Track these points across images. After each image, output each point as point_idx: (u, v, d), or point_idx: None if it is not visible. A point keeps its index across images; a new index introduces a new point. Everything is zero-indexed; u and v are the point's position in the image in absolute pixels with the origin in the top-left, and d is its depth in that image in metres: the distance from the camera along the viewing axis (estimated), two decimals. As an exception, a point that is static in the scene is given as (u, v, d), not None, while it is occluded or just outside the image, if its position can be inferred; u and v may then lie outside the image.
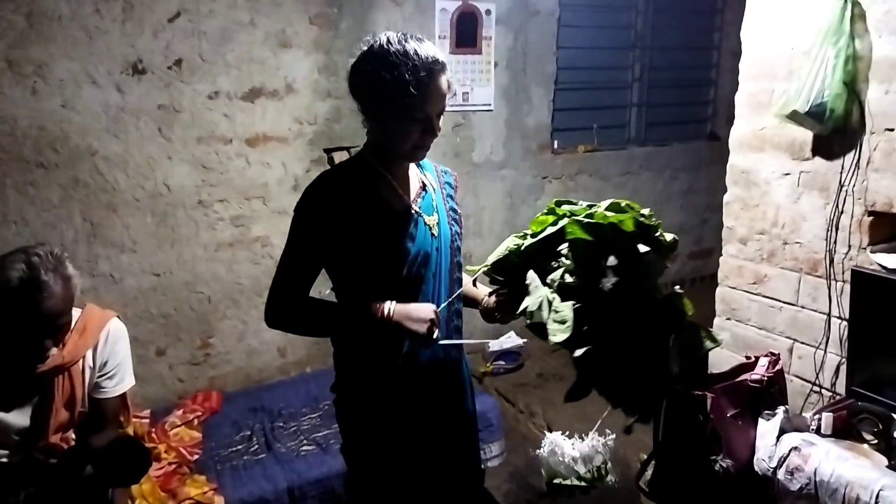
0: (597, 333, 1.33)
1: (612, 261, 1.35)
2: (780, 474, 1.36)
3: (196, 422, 2.86)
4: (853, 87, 1.94)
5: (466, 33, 3.65)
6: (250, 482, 2.52)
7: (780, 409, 1.50)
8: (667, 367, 1.35)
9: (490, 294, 1.68)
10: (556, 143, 4.16)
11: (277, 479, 2.54)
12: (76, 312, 1.92)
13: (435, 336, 1.50)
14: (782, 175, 2.22)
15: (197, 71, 3.06)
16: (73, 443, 1.92)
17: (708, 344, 1.43)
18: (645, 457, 1.63)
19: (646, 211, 1.46)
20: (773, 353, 1.57)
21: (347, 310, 1.56)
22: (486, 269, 1.59)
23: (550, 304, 1.36)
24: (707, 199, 4.89)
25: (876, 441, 1.60)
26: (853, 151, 1.99)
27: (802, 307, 2.22)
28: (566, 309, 1.33)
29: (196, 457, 2.62)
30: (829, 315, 2.11)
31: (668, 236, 1.47)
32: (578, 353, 1.32)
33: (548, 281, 1.41)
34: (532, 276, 1.44)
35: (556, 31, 4.00)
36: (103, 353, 1.95)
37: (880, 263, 1.94)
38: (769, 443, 1.43)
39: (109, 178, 2.97)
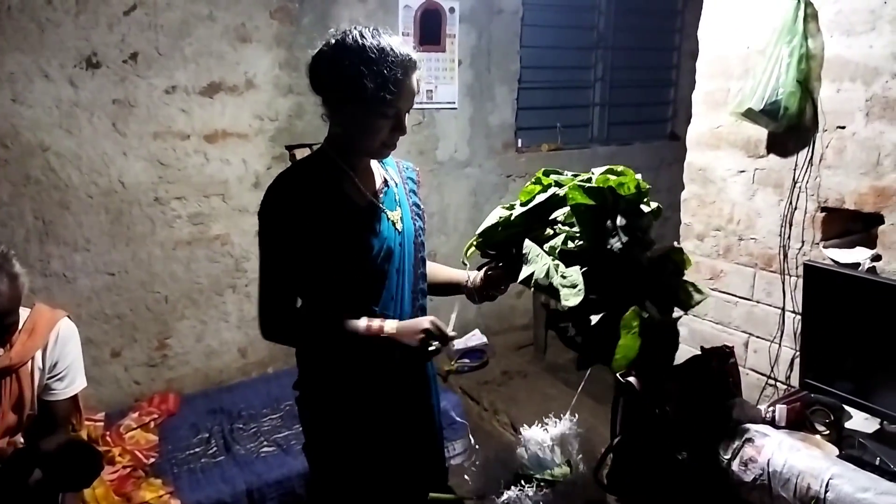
0: (606, 298, 1.31)
1: (620, 221, 1.35)
2: (735, 465, 1.38)
3: (152, 424, 2.80)
4: (806, 86, 1.98)
5: (430, 31, 3.64)
6: (208, 485, 2.47)
7: (735, 401, 1.52)
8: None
9: (480, 268, 1.68)
10: (519, 141, 4.18)
11: (236, 481, 2.49)
12: (24, 312, 1.86)
13: (431, 349, 1.49)
14: (738, 172, 2.25)
15: (153, 65, 2.99)
16: (21, 446, 1.86)
17: (696, 297, 1.47)
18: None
19: (639, 176, 1.48)
20: (727, 347, 1.58)
21: (340, 324, 1.51)
22: (476, 241, 1.60)
23: (556, 269, 1.35)
24: (668, 197, 4.92)
25: (828, 432, 1.63)
26: (806, 149, 2.03)
27: (757, 302, 2.26)
28: (574, 273, 1.32)
29: (152, 460, 2.56)
30: (783, 309, 2.16)
31: (653, 203, 1.48)
32: (595, 318, 1.30)
33: (546, 248, 1.40)
34: (529, 245, 1.42)
35: (520, 30, 4.01)
36: (53, 354, 1.90)
37: (832, 258, 1.99)
38: (724, 434, 1.44)
39: (62, 174, 2.88)
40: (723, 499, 1.42)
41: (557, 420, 1.87)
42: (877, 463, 1.52)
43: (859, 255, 1.94)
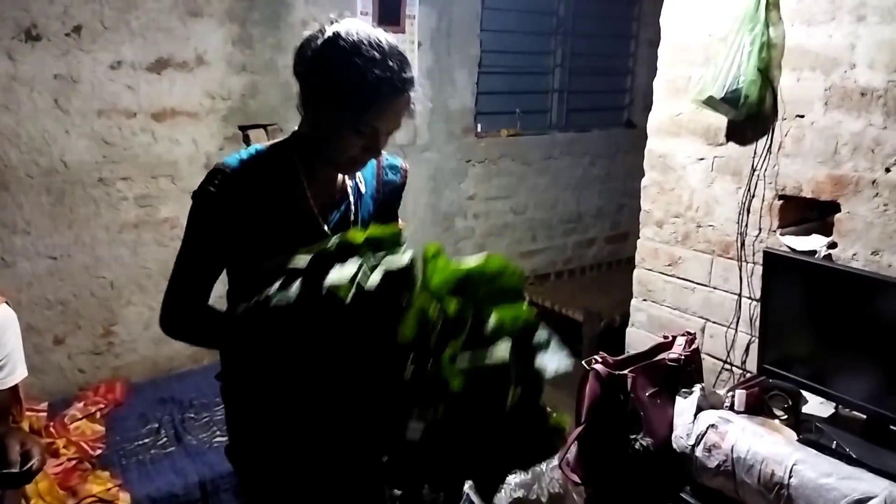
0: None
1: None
2: (699, 451, 1.39)
3: (98, 415, 2.68)
4: (767, 74, 1.99)
5: (389, 10, 3.56)
6: (158, 477, 2.38)
7: (697, 388, 1.53)
8: None
9: None
10: (479, 126, 4.14)
11: (188, 472, 2.41)
12: (-43, 298, 1.74)
13: None
14: (697, 160, 2.27)
15: (98, 38, 2.84)
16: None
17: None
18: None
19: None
20: (689, 333, 1.59)
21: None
22: None
23: None
24: (624, 185, 5.00)
25: (786, 416, 1.66)
26: (765, 137, 2.05)
27: (715, 288, 2.29)
28: None
29: (99, 451, 2.45)
30: (739, 295, 2.18)
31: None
32: None
33: None
34: None
35: (480, 13, 3.96)
36: (-10, 343, 1.78)
37: (789, 245, 2.02)
38: (687, 420, 1.45)
39: (0, 153, 2.73)
40: (686, 485, 1.43)
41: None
42: (833, 447, 1.55)
43: (815, 242, 1.98)
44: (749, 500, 1.32)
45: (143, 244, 3.14)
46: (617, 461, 1.42)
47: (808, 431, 1.65)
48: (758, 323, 2.16)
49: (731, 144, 2.16)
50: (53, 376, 2.99)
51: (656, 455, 1.40)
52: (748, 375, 1.99)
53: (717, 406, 1.51)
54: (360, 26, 1.23)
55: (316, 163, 1.34)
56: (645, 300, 2.53)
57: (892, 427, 1.61)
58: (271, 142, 1.37)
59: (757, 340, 2.16)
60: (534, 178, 4.47)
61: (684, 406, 1.47)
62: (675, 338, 1.58)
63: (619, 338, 4.07)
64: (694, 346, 1.57)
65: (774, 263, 1.70)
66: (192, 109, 3.15)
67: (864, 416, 1.66)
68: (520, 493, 1.64)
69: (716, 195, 2.22)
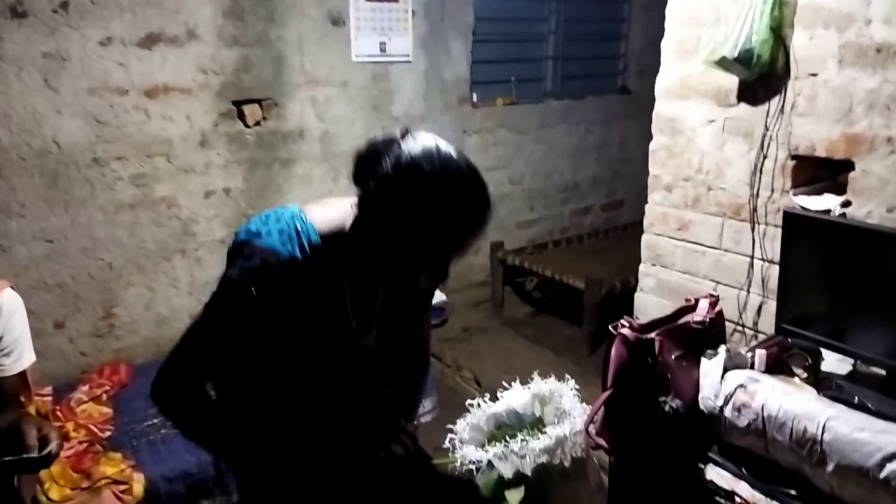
0: None
1: None
2: (728, 411, 1.39)
3: (104, 397, 2.66)
4: (779, 33, 1.97)
5: (382, -22, 3.49)
6: (171, 456, 2.37)
7: (722, 349, 1.52)
8: None
9: None
10: (475, 96, 4.09)
11: (201, 450, 2.39)
12: (-38, 283, 1.70)
13: None
14: (707, 122, 2.25)
15: (86, 14, 2.75)
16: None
17: None
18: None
19: None
20: (712, 295, 1.59)
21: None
22: None
23: None
24: (619, 152, 4.99)
25: (806, 375, 1.66)
26: (778, 97, 2.03)
27: (726, 251, 2.28)
28: None
29: (108, 433, 2.43)
30: (752, 257, 2.18)
31: None
32: None
33: None
34: None
35: (473, -20, 3.90)
36: (-2, 328, 1.74)
37: (802, 205, 2.01)
38: (714, 381, 1.45)
39: (-11, 134, 2.65)
40: (713, 445, 1.44)
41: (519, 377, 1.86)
42: (856, 402, 1.56)
43: (829, 201, 1.97)
44: (780, 457, 1.32)
45: (140, 224, 3.09)
46: (646, 424, 1.41)
47: (828, 389, 1.65)
48: (770, 284, 2.17)
49: (743, 105, 2.14)
50: (55, 360, 2.95)
51: (685, 417, 1.40)
52: (765, 336, 1.99)
53: (741, 366, 1.51)
54: (442, 145, 1.12)
55: (365, 274, 1.24)
56: (654, 265, 2.53)
57: (912, 382, 1.62)
58: (323, 229, 1.19)
59: (769, 301, 2.18)
60: (530, 147, 4.43)
61: (710, 367, 1.47)
62: (697, 301, 1.57)
63: (619, 304, 4.08)
64: (717, 309, 1.56)
65: (794, 223, 1.69)
66: (185, 85, 3.08)
67: (884, 372, 1.67)
68: (543, 459, 1.63)
69: (727, 157, 2.21)
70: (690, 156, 2.31)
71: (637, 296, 2.63)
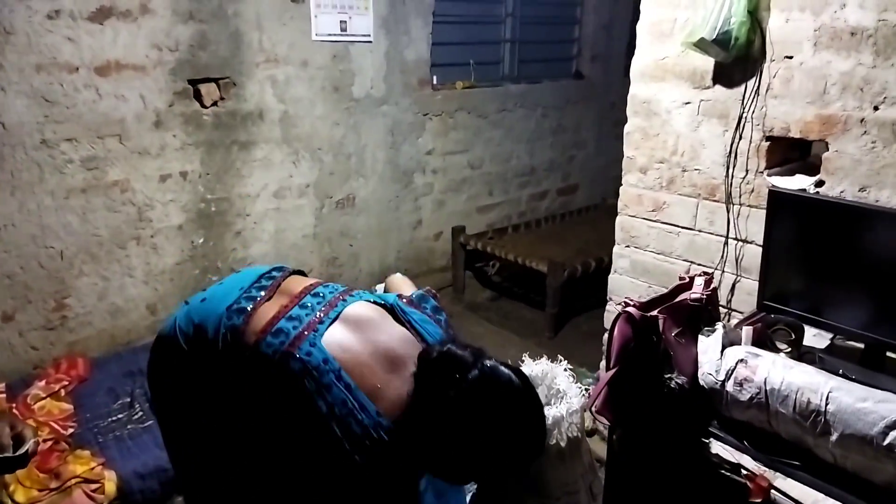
0: None
1: None
2: (729, 386, 1.42)
3: (63, 392, 2.52)
4: (756, 16, 2.01)
5: (344, -44, 3.40)
6: (142, 452, 2.27)
7: (719, 325, 1.55)
8: None
9: None
10: (434, 78, 4.05)
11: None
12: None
13: None
14: (683, 104, 2.28)
15: (31, -16, 2.58)
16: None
17: None
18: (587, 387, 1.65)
19: None
20: (706, 273, 1.61)
21: None
22: None
23: None
24: (573, 137, 5.04)
25: (789, 349, 1.72)
26: (754, 79, 2.08)
27: (700, 231, 2.33)
28: None
29: (71, 430, 2.31)
30: (726, 237, 2.24)
31: None
32: None
33: None
34: None
35: (433, -40, 3.84)
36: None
37: (776, 186, 2.07)
38: (713, 357, 1.48)
39: (-75, 113, 2.46)
40: (713, 419, 1.47)
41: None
42: (840, 374, 1.62)
43: (802, 181, 2.03)
44: (782, 429, 1.36)
45: (93, 210, 2.93)
46: (651, 401, 1.43)
47: (810, 362, 1.71)
48: (743, 263, 2.24)
49: (718, 87, 2.18)
50: (4, 355, 2.79)
51: (686, 392, 1.42)
52: (740, 313, 2.05)
53: (736, 342, 1.54)
54: (515, 379, 1.21)
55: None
56: (628, 246, 2.56)
57: (888, 353, 1.70)
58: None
59: (742, 280, 2.24)
60: (489, 131, 4.43)
61: (708, 344, 1.50)
62: (693, 278, 1.60)
63: (580, 287, 4.15)
64: (713, 286, 1.59)
65: (778, 201, 1.74)
66: (138, 62, 2.93)
67: (861, 345, 1.74)
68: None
69: (702, 139, 2.25)
70: (666, 137, 2.35)
71: (611, 277, 2.66)
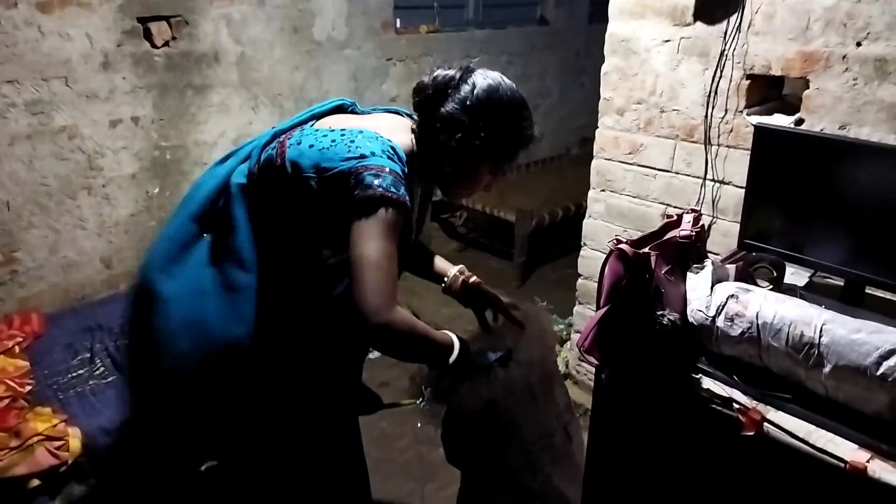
0: None
1: None
2: (720, 322, 1.40)
3: (17, 349, 2.39)
4: (740, -53, 1.95)
5: None
6: (106, 408, 2.17)
7: (708, 262, 1.53)
8: None
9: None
10: (398, 21, 3.91)
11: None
12: None
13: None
14: (662, 42, 2.23)
15: None
16: None
17: None
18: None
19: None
20: (694, 210, 1.59)
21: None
22: None
23: None
24: (538, 84, 4.97)
25: (770, 287, 1.71)
26: (735, 15, 2.04)
27: (676, 173, 2.31)
28: None
29: (29, 388, 2.19)
30: (703, 178, 2.22)
31: None
32: None
33: None
34: None
35: None
36: None
37: (756, 125, 2.05)
38: (703, 294, 1.46)
39: None
40: (700, 356, 1.46)
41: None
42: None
43: (782, 120, 2.02)
44: (773, 363, 1.36)
45: (39, 158, 2.75)
46: (642, 338, 1.41)
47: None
48: (720, 204, 2.23)
49: (699, 24, 2.13)
50: (-50, 313, 2.63)
51: (677, 328, 1.40)
52: (716, 254, 2.03)
53: (724, 279, 1.53)
54: (504, 79, 1.40)
55: (425, 181, 1.49)
56: (603, 190, 2.53)
57: (867, 289, 1.71)
58: (402, 145, 1.35)
59: (718, 221, 2.24)
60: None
61: (697, 281, 1.48)
62: (681, 216, 1.57)
63: (549, 235, 4.14)
64: (701, 223, 1.57)
65: (765, 138, 1.71)
66: (83, -2, 2.72)
67: (840, 282, 1.75)
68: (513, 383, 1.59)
69: (681, 78, 2.21)
70: (644, 77, 2.30)
71: (586, 222, 2.63)
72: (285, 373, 1.44)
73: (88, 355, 2.45)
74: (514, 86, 1.41)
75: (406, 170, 1.29)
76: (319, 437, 1.60)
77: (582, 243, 2.67)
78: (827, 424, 1.29)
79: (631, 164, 2.42)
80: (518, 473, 1.76)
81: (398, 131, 1.39)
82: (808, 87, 1.96)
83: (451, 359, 1.34)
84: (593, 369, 1.63)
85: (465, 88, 1.33)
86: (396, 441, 2.70)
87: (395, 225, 1.22)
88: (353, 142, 1.27)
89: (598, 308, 1.47)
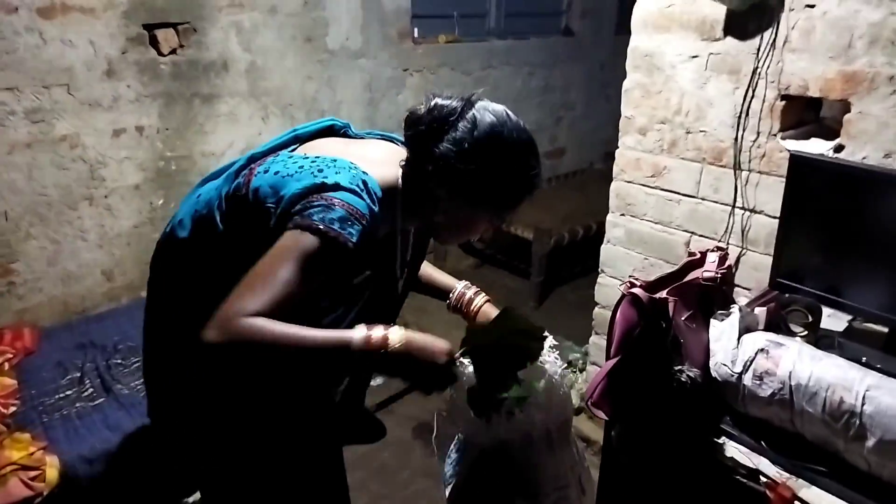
0: None
1: None
2: (747, 379, 1.24)
3: (7, 366, 2.30)
4: (776, -42, 1.79)
5: None
6: (90, 434, 2.07)
7: (735, 308, 1.37)
8: None
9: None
10: (416, 31, 3.78)
11: (123, 425, 2.11)
12: None
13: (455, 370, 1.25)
14: (689, 58, 2.07)
15: None
16: None
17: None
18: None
19: None
20: (720, 248, 1.42)
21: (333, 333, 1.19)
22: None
23: None
24: (562, 97, 4.82)
25: (805, 333, 1.54)
26: (770, 30, 1.87)
27: (703, 199, 2.14)
28: None
29: (13, 409, 2.10)
30: (733, 206, 2.05)
31: None
32: None
33: None
34: None
35: None
36: None
37: (790, 150, 1.88)
38: (729, 346, 1.30)
39: None
40: (725, 415, 1.30)
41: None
42: (863, 363, 1.45)
43: (819, 146, 1.84)
44: (808, 430, 1.19)
45: (39, 167, 2.67)
46: (656, 394, 1.26)
47: (829, 348, 1.55)
48: (750, 235, 2.05)
49: (730, 39, 1.96)
50: (-57, 326, 2.56)
51: (697, 385, 1.25)
52: (745, 290, 1.86)
53: (753, 328, 1.37)
54: (510, 114, 1.22)
55: (413, 224, 1.33)
56: (623, 215, 2.37)
57: (914, 338, 1.53)
58: (382, 184, 1.20)
59: (748, 253, 2.05)
60: (473, 90, 4.17)
61: (722, 330, 1.32)
62: (704, 254, 1.41)
63: (567, 255, 3.97)
64: (727, 263, 1.41)
65: (801, 167, 1.55)
66: (87, 4, 2.65)
67: (884, 329, 1.57)
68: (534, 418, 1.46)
69: (709, 97, 2.04)
70: (669, 95, 2.14)
71: (604, 248, 2.47)
72: (251, 405, 1.31)
73: (79, 374, 2.36)
74: (520, 123, 1.22)
75: (377, 208, 1.15)
76: (298, 471, 1.46)
77: (599, 270, 2.51)
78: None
79: (653, 187, 2.25)
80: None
81: (384, 164, 1.24)
82: (849, 111, 1.79)
83: (354, 346, 1.10)
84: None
85: (463, 127, 1.16)
86: (398, 474, 2.56)
87: (315, 260, 1.06)
88: (321, 171, 1.13)
89: (608, 357, 1.31)
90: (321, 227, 1.06)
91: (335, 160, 1.16)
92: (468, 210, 1.22)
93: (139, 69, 2.83)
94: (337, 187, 1.10)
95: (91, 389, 2.29)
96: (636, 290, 1.24)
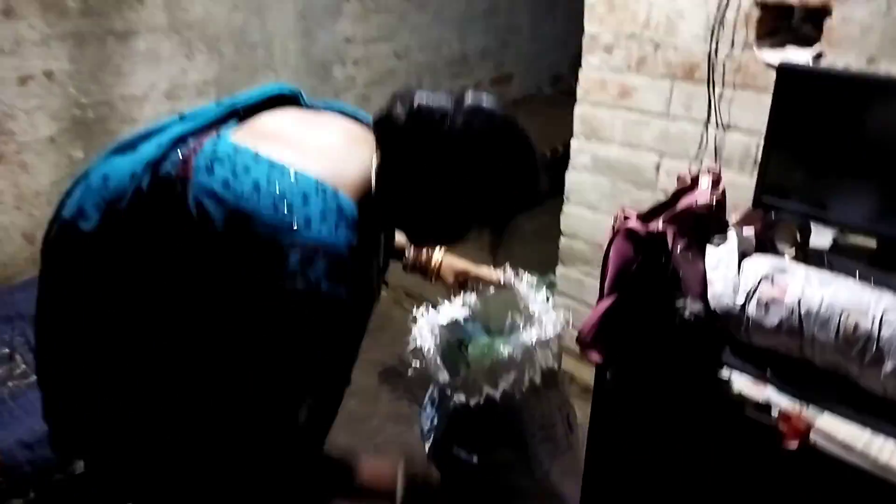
0: None
1: None
2: (751, 309, 1.16)
3: (-77, 348, 2.07)
4: None
5: None
6: (27, 416, 1.87)
7: (731, 233, 1.27)
8: None
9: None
10: (350, -49, 3.49)
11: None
12: None
13: None
14: (657, -35, 1.91)
15: None
16: None
17: None
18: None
19: None
20: (712, 171, 1.32)
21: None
22: None
23: None
24: (507, 20, 4.60)
25: (795, 252, 1.47)
26: (746, -70, 1.72)
27: (674, 118, 2.03)
28: None
29: (-66, 396, 1.89)
30: (707, 123, 1.95)
31: None
32: None
33: None
34: None
35: None
36: None
37: (768, 61, 1.77)
38: (728, 274, 1.21)
39: None
40: (724, 345, 1.22)
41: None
42: (857, 279, 1.39)
43: (797, 54, 1.74)
44: (819, 358, 1.12)
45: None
46: (657, 333, 1.16)
47: (818, 265, 1.48)
48: (724, 153, 1.97)
49: (701, -58, 1.81)
50: None
51: (699, 318, 1.15)
52: (745, 210, 1.77)
53: (749, 252, 1.28)
54: (507, 115, 1.05)
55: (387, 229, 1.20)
56: (589, 139, 2.24)
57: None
58: (354, 196, 0.99)
59: (725, 172, 1.96)
60: (415, 16, 3.93)
61: (720, 258, 1.22)
62: (696, 179, 1.31)
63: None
64: (721, 187, 1.30)
65: (789, 79, 1.44)
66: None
67: (872, 242, 1.52)
68: (511, 377, 1.38)
69: (679, 8, 1.90)
70: (636, 8, 1.99)
71: (568, 175, 2.35)
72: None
73: (7, 351, 2.14)
74: (518, 124, 1.07)
75: (355, 232, 0.97)
76: None
77: (565, 198, 2.39)
78: (890, 430, 1.06)
79: (621, 108, 2.12)
80: (509, 472, 1.58)
81: (349, 160, 1.02)
82: (829, 16, 1.68)
83: None
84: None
85: (453, 133, 0.98)
86: (366, 422, 2.46)
87: (322, 325, 0.96)
88: (283, 198, 0.92)
89: (601, 296, 1.20)
90: (311, 292, 0.91)
91: (296, 176, 0.95)
92: (457, 219, 1.07)
93: (42, 7, 2.50)
94: (309, 225, 0.91)
95: (24, 366, 2.08)
96: (632, 224, 1.13)
